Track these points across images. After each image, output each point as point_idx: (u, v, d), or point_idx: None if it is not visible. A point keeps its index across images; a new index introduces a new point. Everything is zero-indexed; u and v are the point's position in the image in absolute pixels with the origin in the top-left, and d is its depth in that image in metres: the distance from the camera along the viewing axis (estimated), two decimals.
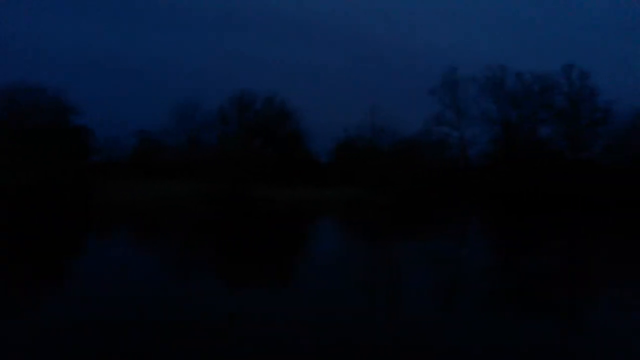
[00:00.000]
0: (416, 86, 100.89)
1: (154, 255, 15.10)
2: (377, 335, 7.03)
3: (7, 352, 5.95)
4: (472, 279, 12.04)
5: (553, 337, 7.14)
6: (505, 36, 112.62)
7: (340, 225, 28.02)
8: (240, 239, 18.50)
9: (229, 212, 32.60)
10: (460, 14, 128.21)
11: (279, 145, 56.76)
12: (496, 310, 8.93)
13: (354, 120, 70.47)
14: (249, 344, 6.40)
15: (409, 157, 56.71)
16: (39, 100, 46.44)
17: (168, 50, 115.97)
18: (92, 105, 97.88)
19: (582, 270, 13.53)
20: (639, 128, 47.74)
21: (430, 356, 6.31)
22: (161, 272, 11.88)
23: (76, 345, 6.17)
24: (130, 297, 8.75)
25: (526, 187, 47.44)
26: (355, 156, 59.93)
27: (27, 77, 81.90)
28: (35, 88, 46.07)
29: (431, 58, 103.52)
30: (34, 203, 34.72)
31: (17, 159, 41.17)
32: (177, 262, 13.34)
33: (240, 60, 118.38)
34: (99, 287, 9.45)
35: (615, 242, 19.97)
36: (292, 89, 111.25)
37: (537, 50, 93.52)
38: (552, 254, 16.31)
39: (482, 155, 57.95)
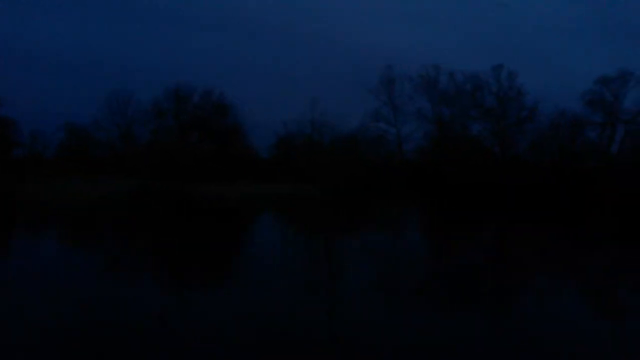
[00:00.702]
0: (355, 83, 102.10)
1: (74, 256, 14.40)
2: (310, 330, 7.13)
3: None
4: (401, 272, 12.42)
5: (481, 324, 7.61)
6: (440, 36, 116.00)
7: (277, 220, 27.98)
8: (173, 237, 18.00)
9: (163, 209, 31.70)
10: (398, 14, 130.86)
11: (217, 140, 55.81)
12: (425, 301, 9.30)
13: (294, 116, 70.52)
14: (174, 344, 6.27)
15: (348, 153, 57.54)
16: None
17: (100, 41, 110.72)
18: (18, 97, 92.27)
19: (505, 262, 14.28)
20: (561, 126, 50.73)
21: (361, 348, 6.44)
22: (82, 274, 11.37)
23: None
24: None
25: (458, 182, 49.31)
26: (295, 151, 60.08)
27: None
28: None
29: (370, 56, 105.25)
30: None
31: None
32: (100, 262, 12.79)
33: (178, 54, 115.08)
34: None
35: (538, 235, 21.13)
36: (231, 83, 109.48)
37: (470, 51, 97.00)
38: (479, 247, 17.15)
39: (417, 151, 59.74)
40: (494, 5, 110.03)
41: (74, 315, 7.56)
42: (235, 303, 8.75)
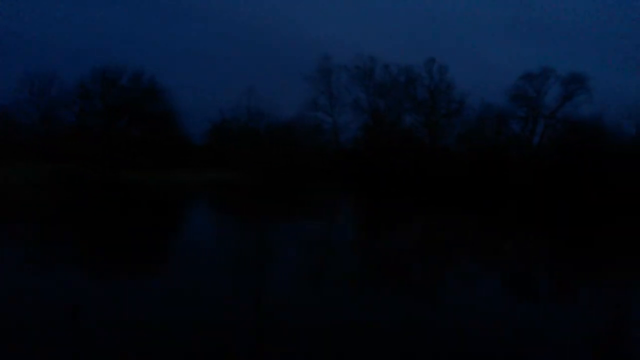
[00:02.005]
0: (293, 72, 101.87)
1: None
2: (242, 316, 6.98)
3: None
4: (333, 258, 12.47)
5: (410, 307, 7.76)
6: (376, 28, 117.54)
7: (207, 208, 27.40)
8: (98, 227, 17.11)
9: (89, 197, 30.19)
10: (336, 4, 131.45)
11: (147, 125, 53.78)
12: (357, 287, 9.37)
13: (231, 103, 69.24)
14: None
15: (284, 141, 57.33)
16: None
17: (21, 16, 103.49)
18: None
19: (432, 248, 14.68)
20: (487, 120, 52.89)
21: (297, 333, 6.43)
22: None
23: None
24: None
25: (391, 171, 50.40)
26: (231, 138, 59.14)
27: None
28: None
29: (308, 46, 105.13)
30: None
31: None
32: (16, 253, 11.91)
33: (107, 35, 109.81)
34: None
35: (459, 222, 21.95)
36: (164, 68, 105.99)
37: (404, 43, 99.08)
38: (400, 234, 17.57)
39: (353, 141, 60.45)
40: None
41: None
42: (156, 291, 8.52)
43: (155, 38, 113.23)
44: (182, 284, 8.78)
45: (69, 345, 5.77)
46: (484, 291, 9.26)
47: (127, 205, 24.90)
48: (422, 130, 56.34)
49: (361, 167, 52.42)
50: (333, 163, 55.67)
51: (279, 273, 9.90)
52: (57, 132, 51.27)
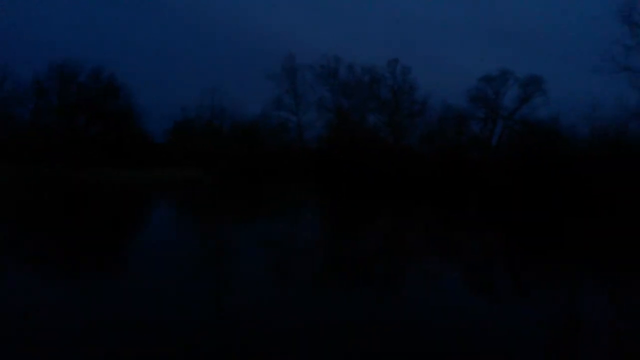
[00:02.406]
0: (257, 71, 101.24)
1: None
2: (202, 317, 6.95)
3: None
4: (294, 257, 12.50)
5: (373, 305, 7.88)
6: (342, 28, 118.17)
7: (170, 208, 26.92)
8: (52, 228, 16.52)
9: (44, 197, 29.13)
10: (302, 4, 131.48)
11: (107, 123, 52.40)
12: (322, 285, 9.47)
13: (194, 101, 68.17)
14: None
15: (248, 140, 56.94)
16: None
17: None
18: None
19: (396, 247, 14.92)
20: (448, 120, 54.05)
21: (259, 331, 6.45)
22: None
23: None
24: None
25: (356, 170, 50.80)
26: (194, 137, 58.33)
27: None
28: None
29: (273, 44, 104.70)
30: None
31: None
32: None
33: (65, 29, 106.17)
34: None
35: (426, 222, 22.38)
36: (125, 65, 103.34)
37: (368, 44, 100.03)
38: (372, 232, 17.80)
39: (317, 140, 60.63)
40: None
41: None
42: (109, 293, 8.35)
43: (116, 34, 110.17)
44: (138, 285, 8.63)
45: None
46: (444, 287, 9.52)
47: (81, 206, 24.21)
48: (385, 130, 57.03)
49: (326, 166, 52.62)
50: (298, 162, 55.68)
51: (240, 274, 9.88)
52: (9, 130, 49.23)
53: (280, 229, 18.22)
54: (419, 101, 55.56)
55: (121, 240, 15.05)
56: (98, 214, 21.36)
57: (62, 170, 43.77)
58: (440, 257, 13.62)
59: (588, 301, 9.27)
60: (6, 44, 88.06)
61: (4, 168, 41.88)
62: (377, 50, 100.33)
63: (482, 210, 28.97)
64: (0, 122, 50.06)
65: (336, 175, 50.29)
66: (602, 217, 21.54)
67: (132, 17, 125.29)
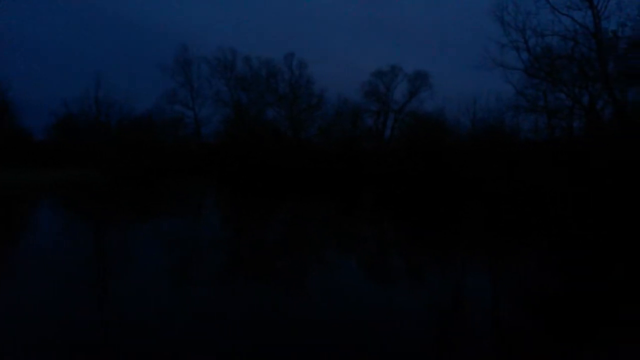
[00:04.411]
0: (149, 63, 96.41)
1: None
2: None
3: None
4: (201, 252, 12.13)
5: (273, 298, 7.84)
6: (238, 21, 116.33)
7: (53, 210, 24.76)
8: None
9: None
10: None
11: None
12: (227, 279, 9.32)
13: (79, 94, 63.06)
14: None
15: (140, 135, 54.11)
16: None
17: None
18: None
19: (295, 238, 15.02)
20: (344, 114, 55.74)
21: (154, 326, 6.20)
22: None
23: None
24: None
25: (255, 164, 50.56)
26: (78, 133, 54.20)
27: None
28: None
29: (166, 35, 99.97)
30: None
31: None
32: None
33: None
34: None
35: (325, 213, 22.87)
36: None
37: (264, 37, 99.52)
38: (271, 226, 17.77)
39: (215, 135, 59.40)
40: None
41: None
42: None
43: None
44: (25, 292, 8.03)
45: None
46: (341, 275, 9.93)
47: None
48: (284, 124, 57.40)
49: (225, 162, 51.77)
50: (196, 158, 54.16)
51: (134, 274, 9.53)
52: None
53: (179, 228, 17.70)
54: (316, 94, 56.69)
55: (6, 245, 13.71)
56: None
57: None
58: (337, 247, 14.14)
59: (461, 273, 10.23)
60: None
61: None
62: (273, 44, 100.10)
63: (376, 198, 30.43)
64: None
65: (236, 171, 49.72)
66: (483, 198, 23.60)
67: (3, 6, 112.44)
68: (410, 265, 11.88)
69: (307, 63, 57.45)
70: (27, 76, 79.87)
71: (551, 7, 24.06)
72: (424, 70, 56.64)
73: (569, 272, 10.69)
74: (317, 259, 12.08)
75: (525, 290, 9.24)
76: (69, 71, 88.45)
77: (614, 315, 7.63)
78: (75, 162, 49.58)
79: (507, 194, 21.24)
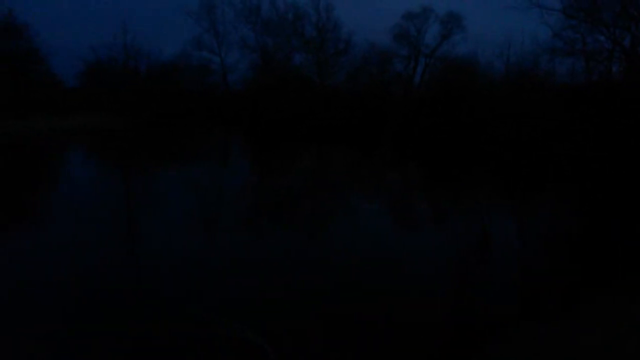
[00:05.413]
0: (175, 8, 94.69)
1: None
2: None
3: None
4: (229, 198, 12.40)
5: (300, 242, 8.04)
6: None
7: (85, 155, 25.46)
8: None
9: None
10: None
11: (8, 66, 47.58)
12: (253, 223, 9.57)
13: (106, 40, 62.86)
14: None
15: (167, 82, 54.19)
16: None
17: None
18: None
19: (321, 185, 15.14)
20: (372, 59, 54.24)
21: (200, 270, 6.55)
22: None
23: None
24: None
25: (283, 111, 50.25)
26: (108, 80, 54.60)
27: None
28: None
29: None
30: None
31: None
32: None
33: None
34: None
35: (352, 161, 22.82)
36: (26, 3, 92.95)
37: None
38: (298, 175, 17.88)
39: (242, 81, 58.92)
40: None
41: None
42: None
43: None
44: (64, 232, 8.38)
45: None
46: (366, 221, 9.96)
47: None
48: (311, 69, 56.33)
49: (251, 109, 51.59)
50: (222, 105, 54.11)
51: (163, 220, 9.77)
52: None
53: (208, 174, 17.98)
54: (343, 39, 55.08)
55: (41, 188, 14.26)
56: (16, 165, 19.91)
57: None
58: (361, 193, 14.13)
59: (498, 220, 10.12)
60: None
61: None
62: None
63: (405, 147, 30.06)
64: None
65: (264, 118, 49.54)
66: (518, 148, 23.00)
67: None
68: (433, 209, 11.81)
69: (334, 6, 55.62)
70: (55, 22, 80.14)
71: None
72: (456, 11, 54.15)
73: (597, 218, 10.45)
74: (342, 204, 12.12)
75: (549, 234, 9.11)
76: (96, 17, 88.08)
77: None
78: (104, 109, 50.25)
79: (539, 140, 20.60)
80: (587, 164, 16.45)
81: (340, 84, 55.43)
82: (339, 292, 6.04)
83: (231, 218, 10.08)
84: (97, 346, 4.60)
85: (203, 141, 34.31)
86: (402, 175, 17.91)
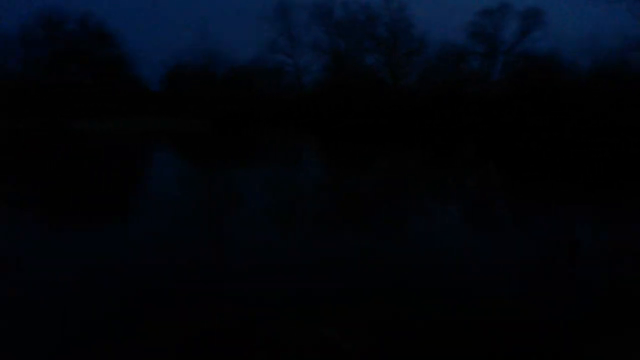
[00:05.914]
0: (250, 12, 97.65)
1: None
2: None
3: None
4: (300, 200, 12.58)
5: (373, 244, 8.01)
6: None
7: (169, 157, 26.82)
8: (49, 179, 16.51)
9: (38, 148, 28.98)
10: None
11: (98, 72, 51.31)
12: (327, 222, 9.66)
13: (186, 46, 66.10)
14: None
15: (244, 85, 55.93)
16: None
17: None
18: None
19: (398, 189, 14.95)
20: (447, 57, 52.92)
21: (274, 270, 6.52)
22: None
23: None
24: None
25: (355, 113, 50.24)
26: (187, 84, 57.30)
27: None
28: None
29: None
30: None
31: None
32: None
33: None
34: None
35: (425, 163, 22.38)
36: (114, 11, 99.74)
37: None
38: (374, 176, 17.79)
39: (315, 83, 59.56)
40: None
41: None
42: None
43: None
44: (148, 229, 8.77)
45: None
46: (441, 224, 9.62)
47: (80, 158, 24.19)
48: (384, 70, 55.92)
49: (324, 110, 52.01)
50: (296, 107, 54.99)
51: (243, 215, 9.97)
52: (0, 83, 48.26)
53: (284, 174, 18.29)
54: (416, 39, 54.12)
55: (127, 187, 15.18)
56: (97, 164, 21.34)
57: (55, 121, 43.24)
58: (436, 196, 13.70)
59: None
60: None
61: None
62: None
63: (484, 146, 28.96)
64: None
65: (336, 119, 49.78)
66: (607, 149, 21.46)
67: None
68: (513, 215, 11.21)
69: (407, 5, 54.79)
70: (141, 29, 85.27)
71: None
72: (536, 7, 51.49)
73: None
74: (416, 207, 11.82)
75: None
76: (179, 23, 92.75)
77: None
78: (184, 111, 52.75)
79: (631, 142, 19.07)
80: None
81: (413, 84, 54.65)
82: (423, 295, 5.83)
83: (317, 217, 10.17)
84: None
85: (279, 142, 35.01)
86: (485, 176, 17.18)
